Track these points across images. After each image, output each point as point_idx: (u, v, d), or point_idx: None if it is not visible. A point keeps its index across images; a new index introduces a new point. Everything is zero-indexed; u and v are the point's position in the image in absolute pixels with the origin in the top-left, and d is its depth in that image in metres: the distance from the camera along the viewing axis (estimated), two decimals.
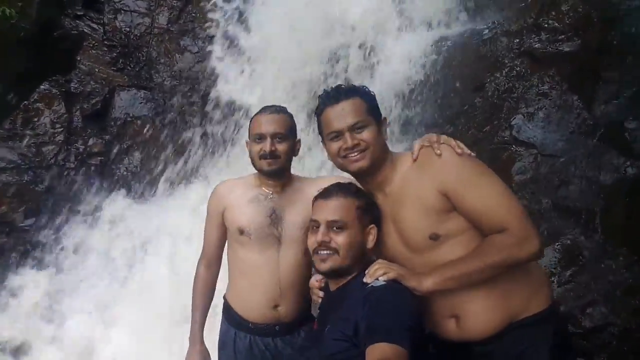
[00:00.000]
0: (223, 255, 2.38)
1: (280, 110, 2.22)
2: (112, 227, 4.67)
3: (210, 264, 2.41)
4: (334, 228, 1.69)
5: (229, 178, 2.41)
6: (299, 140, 2.26)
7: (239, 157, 4.60)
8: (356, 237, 1.71)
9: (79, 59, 5.43)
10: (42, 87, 5.10)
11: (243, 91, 5.28)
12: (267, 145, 2.11)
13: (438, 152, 1.72)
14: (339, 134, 1.77)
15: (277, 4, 5.07)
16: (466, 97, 4.18)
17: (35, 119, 5.01)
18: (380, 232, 1.80)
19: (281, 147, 2.14)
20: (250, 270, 2.19)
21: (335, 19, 4.57)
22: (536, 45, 3.97)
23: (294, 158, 2.26)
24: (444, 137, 1.80)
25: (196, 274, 2.43)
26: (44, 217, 4.76)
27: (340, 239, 1.68)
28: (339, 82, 3.69)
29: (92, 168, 5.22)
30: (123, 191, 5.03)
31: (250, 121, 2.26)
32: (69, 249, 4.73)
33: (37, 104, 5.05)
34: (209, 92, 5.36)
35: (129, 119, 5.56)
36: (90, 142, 5.28)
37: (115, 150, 5.38)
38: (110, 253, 4.50)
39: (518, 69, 4.03)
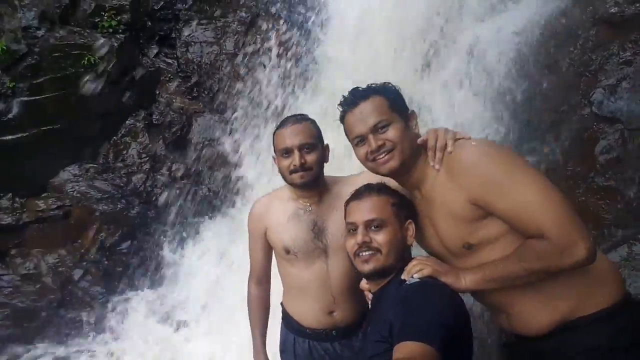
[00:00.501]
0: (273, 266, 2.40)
1: (301, 118, 2.15)
2: (195, 245, 4.97)
3: (260, 281, 2.43)
4: (373, 227, 1.67)
5: (264, 195, 2.34)
6: (327, 146, 2.18)
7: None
8: (396, 233, 1.68)
9: (157, 92, 5.88)
10: (127, 122, 5.59)
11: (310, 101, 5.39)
12: (296, 159, 2.05)
13: (452, 151, 1.61)
14: (362, 138, 1.71)
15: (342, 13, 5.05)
16: (539, 78, 3.90)
17: (124, 152, 5.50)
18: (421, 231, 1.76)
19: (310, 158, 2.06)
20: (301, 283, 2.20)
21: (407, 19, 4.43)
22: (612, 10, 3.62)
23: (334, 159, 2.23)
24: (451, 133, 1.68)
25: (248, 293, 2.45)
26: (138, 240, 5.17)
27: (380, 238, 1.65)
28: None
29: (177, 191, 5.59)
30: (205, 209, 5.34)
31: (274, 136, 2.19)
32: (163, 268, 5.09)
33: (125, 138, 5.55)
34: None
35: (207, 142, 5.93)
36: (174, 167, 5.66)
37: (198, 172, 5.72)
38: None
39: (594, 39, 3.69)
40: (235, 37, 6.27)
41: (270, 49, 6.09)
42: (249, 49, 6.22)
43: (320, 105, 4.82)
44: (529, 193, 1.48)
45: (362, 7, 4.71)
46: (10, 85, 4.85)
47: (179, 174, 5.69)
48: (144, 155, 5.58)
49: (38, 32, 5.02)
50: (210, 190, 5.72)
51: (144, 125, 5.69)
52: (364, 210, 1.69)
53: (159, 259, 5.17)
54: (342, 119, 1.78)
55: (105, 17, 5.36)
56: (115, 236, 5.11)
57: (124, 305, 4.54)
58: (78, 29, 5.24)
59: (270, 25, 5.85)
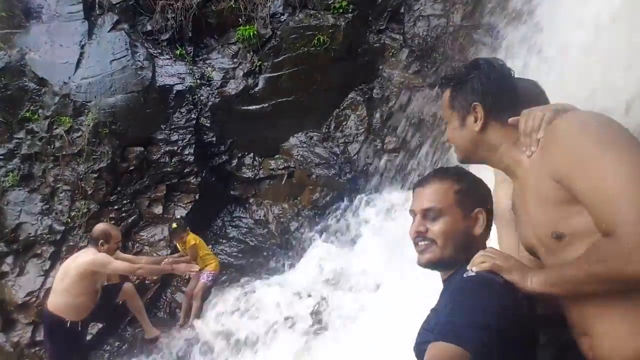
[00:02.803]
0: None
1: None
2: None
3: None
4: (430, 216, 1.60)
5: None
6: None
7: None
8: (456, 223, 1.59)
9: (380, 67, 6.42)
10: (349, 95, 6.33)
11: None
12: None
13: (552, 128, 1.43)
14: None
15: None
16: None
17: (344, 123, 6.28)
18: (517, 219, 1.63)
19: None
20: None
21: None
22: None
23: None
24: (550, 114, 1.48)
25: None
26: (345, 203, 5.92)
27: (436, 228, 1.58)
28: None
29: (388, 163, 6.09)
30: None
31: None
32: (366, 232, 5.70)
33: (346, 111, 6.32)
34: None
35: (422, 117, 6.22)
36: (387, 140, 6.16)
37: (409, 146, 6.10)
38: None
39: None
40: (465, 8, 6.27)
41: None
42: (477, 20, 6.16)
43: None
44: (615, 177, 1.25)
45: None
46: (258, 64, 6.13)
47: (391, 146, 6.17)
48: (360, 127, 6.25)
49: (282, 17, 6.15)
50: (419, 164, 6.01)
51: (364, 99, 6.34)
52: (423, 198, 1.63)
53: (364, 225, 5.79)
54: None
55: None
56: (326, 198, 5.97)
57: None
58: (313, 11, 6.16)
59: None
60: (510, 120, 1.57)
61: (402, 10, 6.52)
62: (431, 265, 1.63)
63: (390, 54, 6.47)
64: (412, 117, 6.24)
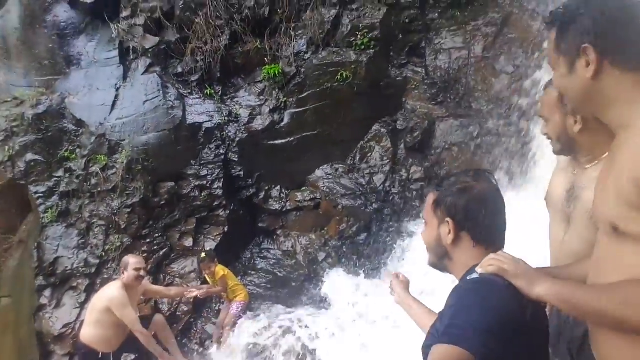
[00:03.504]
0: None
1: None
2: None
3: None
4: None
5: None
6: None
7: None
8: (430, 233, 1.67)
9: (404, 100, 6.65)
10: (374, 128, 6.55)
11: None
12: None
13: None
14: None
15: None
16: None
17: (369, 154, 6.47)
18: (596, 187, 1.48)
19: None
20: (549, 240, 2.19)
21: None
22: None
23: None
24: None
25: None
26: (373, 233, 6.04)
27: (423, 237, 1.72)
28: None
29: (414, 193, 6.22)
30: None
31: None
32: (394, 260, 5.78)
33: (370, 142, 6.52)
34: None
35: (447, 146, 6.37)
36: (412, 170, 6.31)
37: (434, 176, 6.22)
38: None
39: None
40: (485, 39, 6.50)
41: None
42: (499, 50, 6.38)
43: None
44: None
45: None
46: (283, 100, 6.44)
47: (417, 176, 6.30)
48: (385, 158, 6.42)
49: (305, 55, 6.48)
50: None
51: (388, 131, 6.54)
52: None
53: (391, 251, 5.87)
54: None
55: (359, 36, 6.43)
56: (353, 228, 6.10)
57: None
58: (336, 49, 6.48)
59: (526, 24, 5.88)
60: None
61: (422, 45, 6.79)
62: (434, 268, 1.72)
63: (413, 86, 6.70)
64: (437, 147, 6.42)
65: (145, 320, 5.08)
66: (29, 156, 6.30)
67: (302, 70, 6.43)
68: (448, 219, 1.59)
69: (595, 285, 1.33)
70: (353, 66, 6.38)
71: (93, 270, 5.75)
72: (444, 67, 6.64)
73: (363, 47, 6.43)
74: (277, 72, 6.36)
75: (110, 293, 4.63)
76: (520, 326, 1.40)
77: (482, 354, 1.29)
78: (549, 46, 1.46)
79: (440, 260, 1.66)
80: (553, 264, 2.05)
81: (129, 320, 4.59)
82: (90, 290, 5.56)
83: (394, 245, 5.87)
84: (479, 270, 1.50)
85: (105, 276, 5.64)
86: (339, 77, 6.30)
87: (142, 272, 4.78)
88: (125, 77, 6.69)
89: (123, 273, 4.70)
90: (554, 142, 1.99)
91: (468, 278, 1.52)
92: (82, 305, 5.45)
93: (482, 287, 1.46)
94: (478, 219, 1.56)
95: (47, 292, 5.63)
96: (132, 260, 4.82)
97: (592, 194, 1.68)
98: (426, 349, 1.49)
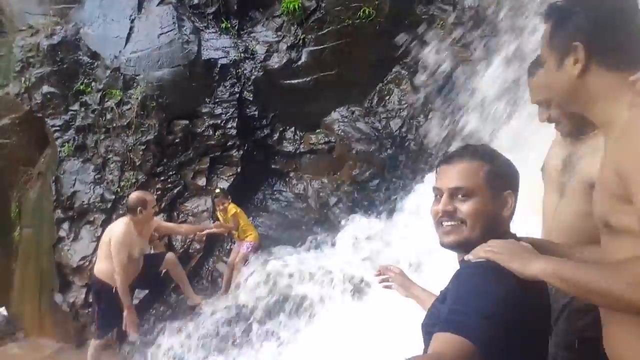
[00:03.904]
0: None
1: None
2: None
3: None
4: (459, 196, 1.57)
5: None
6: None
7: None
8: (486, 205, 1.56)
9: (427, 40, 6.33)
10: (394, 69, 6.31)
11: None
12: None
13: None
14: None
15: None
16: None
17: (387, 97, 6.29)
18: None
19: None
20: (542, 211, 2.14)
21: None
22: None
23: None
24: None
25: None
26: (385, 179, 6.00)
27: (466, 208, 1.55)
28: None
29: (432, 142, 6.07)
30: None
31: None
32: (404, 208, 5.77)
33: (389, 85, 6.31)
34: None
35: (468, 91, 6.13)
36: (430, 115, 6.12)
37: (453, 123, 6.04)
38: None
39: None
40: None
41: None
42: None
43: None
44: None
45: None
46: (302, 37, 6.21)
47: (436, 123, 6.13)
48: (403, 102, 6.24)
49: None
50: (463, 141, 5.95)
51: (409, 73, 6.30)
52: (452, 176, 1.59)
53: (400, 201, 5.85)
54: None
55: None
56: (366, 173, 6.06)
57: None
58: None
59: None
60: (631, 78, 1.35)
61: None
62: (456, 246, 1.60)
63: (439, 25, 6.36)
64: (459, 92, 6.17)
65: (157, 257, 5.29)
66: (45, 88, 6.34)
67: (323, 4, 6.14)
68: (510, 191, 1.58)
69: (598, 263, 1.32)
70: (376, 2, 6.06)
71: (109, 205, 5.92)
72: (473, 4, 6.25)
73: None
74: (296, 6, 6.09)
75: (116, 228, 4.77)
76: (524, 312, 1.39)
77: (483, 342, 1.27)
78: (542, 39, 1.48)
79: (487, 234, 1.54)
80: (545, 236, 2.02)
81: (117, 260, 4.65)
82: (106, 225, 5.72)
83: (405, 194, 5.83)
84: (470, 258, 1.48)
85: (121, 212, 5.79)
86: (360, 13, 6.01)
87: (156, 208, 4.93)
88: (140, 8, 6.53)
89: (140, 212, 4.77)
90: (563, 122, 1.92)
91: (472, 261, 1.49)
92: (99, 239, 5.65)
93: (486, 271, 1.43)
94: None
95: (65, 225, 5.86)
96: (150, 199, 4.91)
97: (587, 163, 1.80)
98: (426, 327, 1.50)
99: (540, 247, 1.53)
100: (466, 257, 1.51)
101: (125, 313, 4.77)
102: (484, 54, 6.13)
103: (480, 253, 1.47)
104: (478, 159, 1.59)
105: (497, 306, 1.34)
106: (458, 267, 1.63)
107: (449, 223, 1.58)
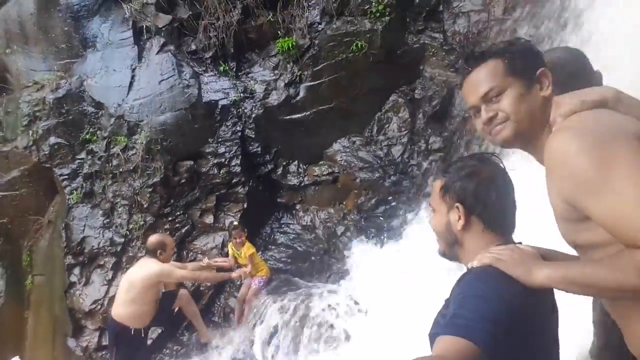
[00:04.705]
0: None
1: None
2: None
3: None
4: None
5: None
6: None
7: None
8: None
9: (422, 67, 6.62)
10: (391, 98, 6.57)
11: None
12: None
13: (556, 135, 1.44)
14: (477, 109, 1.61)
15: None
16: None
17: (386, 126, 6.51)
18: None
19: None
20: None
21: None
22: None
23: None
24: (575, 103, 1.48)
25: None
26: (391, 206, 6.14)
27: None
28: None
29: (433, 163, 6.26)
30: None
31: None
32: (410, 234, 5.88)
33: (388, 113, 6.55)
34: None
35: (466, 115, 6.35)
36: (431, 140, 6.33)
37: (454, 146, 6.24)
38: None
39: None
40: (506, 1, 6.37)
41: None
42: (517, 13, 6.25)
43: None
44: (627, 197, 1.25)
45: None
46: (298, 74, 6.51)
47: (436, 146, 6.33)
48: (403, 129, 6.46)
49: (319, 26, 6.50)
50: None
51: (406, 100, 6.55)
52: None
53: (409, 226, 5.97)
54: (461, 87, 1.69)
55: (373, 3, 6.39)
56: (371, 201, 6.21)
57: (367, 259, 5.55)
58: (350, 18, 6.46)
59: None
60: (555, 98, 1.54)
61: (440, 9, 6.69)
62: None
63: (431, 53, 6.65)
64: (456, 116, 6.41)
65: (171, 295, 5.38)
66: (52, 139, 6.59)
67: (316, 41, 6.47)
68: (457, 204, 1.59)
69: (599, 260, 1.38)
70: (368, 35, 6.37)
71: (119, 248, 6.06)
72: (462, 31, 6.54)
73: (378, 14, 6.39)
74: (290, 45, 6.41)
75: (157, 268, 4.91)
76: (527, 315, 1.42)
77: (487, 345, 1.29)
78: (489, 70, 1.58)
79: (451, 247, 1.67)
80: None
81: (187, 277, 5.18)
82: (117, 268, 5.89)
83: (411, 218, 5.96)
84: (473, 264, 1.52)
85: (130, 254, 5.94)
86: (354, 47, 6.31)
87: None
88: (140, 58, 6.87)
89: (160, 254, 4.94)
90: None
91: (470, 267, 1.53)
92: (110, 282, 5.78)
93: (490, 276, 1.46)
94: (488, 203, 1.56)
95: (76, 270, 5.99)
96: (169, 241, 5.13)
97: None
98: (432, 337, 1.51)
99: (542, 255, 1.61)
100: (470, 264, 1.55)
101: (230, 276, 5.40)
102: None
103: (484, 259, 1.50)
104: (441, 175, 1.67)
105: (500, 309, 1.36)
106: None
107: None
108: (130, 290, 4.93)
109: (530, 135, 1.58)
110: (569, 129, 1.42)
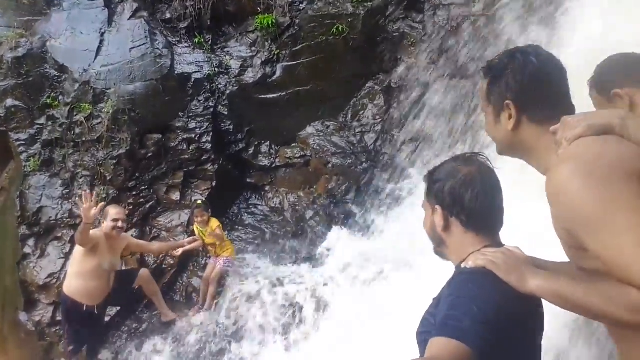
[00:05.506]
0: None
1: None
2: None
3: None
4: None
5: None
6: None
7: None
8: (427, 221, 1.72)
9: (399, 57, 6.64)
10: (367, 85, 6.57)
11: None
12: None
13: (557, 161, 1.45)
14: None
15: None
16: None
17: (361, 112, 6.52)
18: None
19: None
20: None
21: None
22: None
23: None
24: (581, 128, 1.46)
25: None
26: (361, 193, 6.17)
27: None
28: None
29: (405, 154, 6.32)
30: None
31: None
32: (378, 222, 5.94)
33: (363, 100, 6.56)
34: None
35: (440, 106, 6.43)
36: (404, 129, 6.38)
37: (427, 137, 6.30)
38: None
39: None
40: None
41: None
42: (499, 9, 6.34)
43: None
44: (625, 237, 1.28)
45: None
46: (276, 53, 6.41)
47: (409, 137, 6.39)
48: (377, 117, 6.49)
49: (301, 5, 6.41)
50: (436, 156, 6.21)
51: (382, 88, 6.57)
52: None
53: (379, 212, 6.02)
54: None
55: None
56: (342, 187, 6.23)
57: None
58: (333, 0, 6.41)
59: None
60: (551, 128, 1.54)
61: None
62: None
63: (410, 43, 6.68)
64: (430, 107, 6.47)
65: (131, 274, 5.26)
66: (9, 102, 6.25)
67: (297, 21, 6.38)
68: (437, 206, 1.65)
69: (593, 284, 1.40)
70: (350, 19, 6.34)
71: (78, 221, 5.81)
72: (442, 23, 6.61)
73: None
74: (270, 23, 6.30)
75: None
76: (519, 317, 1.46)
77: (479, 347, 1.32)
78: (481, 94, 1.67)
79: (439, 247, 1.71)
80: None
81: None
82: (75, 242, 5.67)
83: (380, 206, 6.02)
84: (467, 264, 1.54)
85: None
86: (334, 30, 6.27)
87: (120, 224, 4.89)
88: (110, 22, 6.59)
89: (102, 223, 4.84)
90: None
91: (465, 267, 1.55)
92: (67, 256, 5.56)
93: (481, 278, 1.49)
94: (464, 204, 1.59)
95: (31, 242, 5.73)
96: (112, 211, 4.95)
97: None
98: (421, 335, 1.55)
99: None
100: (463, 264, 1.56)
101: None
102: (454, 69, 6.50)
103: (478, 261, 1.53)
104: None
105: (492, 311, 1.40)
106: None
107: None
108: (74, 262, 4.86)
109: (521, 153, 1.63)
110: (572, 162, 1.43)
